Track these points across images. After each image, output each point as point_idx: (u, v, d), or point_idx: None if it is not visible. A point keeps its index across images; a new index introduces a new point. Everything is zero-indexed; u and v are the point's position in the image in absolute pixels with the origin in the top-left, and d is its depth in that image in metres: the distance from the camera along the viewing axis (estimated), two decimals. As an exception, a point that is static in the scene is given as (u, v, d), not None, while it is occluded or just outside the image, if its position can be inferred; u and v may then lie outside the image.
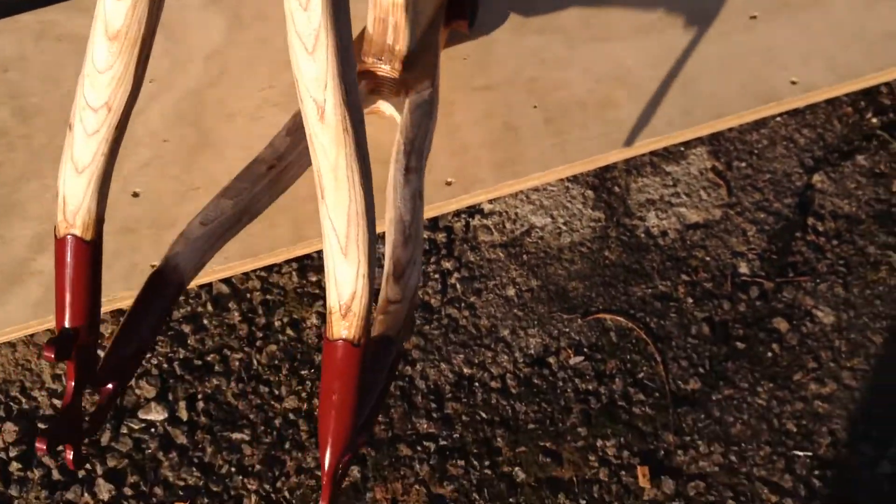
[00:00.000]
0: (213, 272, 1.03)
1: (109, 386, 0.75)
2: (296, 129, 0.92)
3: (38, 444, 0.69)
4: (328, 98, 0.62)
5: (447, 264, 1.05)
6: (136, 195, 1.08)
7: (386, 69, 1.00)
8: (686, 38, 1.14)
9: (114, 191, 1.08)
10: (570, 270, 1.04)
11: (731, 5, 1.16)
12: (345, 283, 0.66)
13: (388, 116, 1.00)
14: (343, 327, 0.67)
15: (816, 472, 0.92)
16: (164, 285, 0.78)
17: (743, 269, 1.03)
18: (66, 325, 0.72)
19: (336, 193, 0.64)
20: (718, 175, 1.09)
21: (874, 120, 1.11)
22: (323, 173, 0.64)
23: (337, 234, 0.65)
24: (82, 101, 0.70)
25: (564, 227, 1.07)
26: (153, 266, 1.03)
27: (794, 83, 1.11)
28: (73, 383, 0.71)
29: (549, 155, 1.10)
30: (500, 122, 1.12)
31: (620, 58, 1.14)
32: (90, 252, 0.73)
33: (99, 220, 0.73)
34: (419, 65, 1.00)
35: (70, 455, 0.71)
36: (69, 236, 0.72)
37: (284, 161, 0.91)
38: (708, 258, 1.04)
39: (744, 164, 1.09)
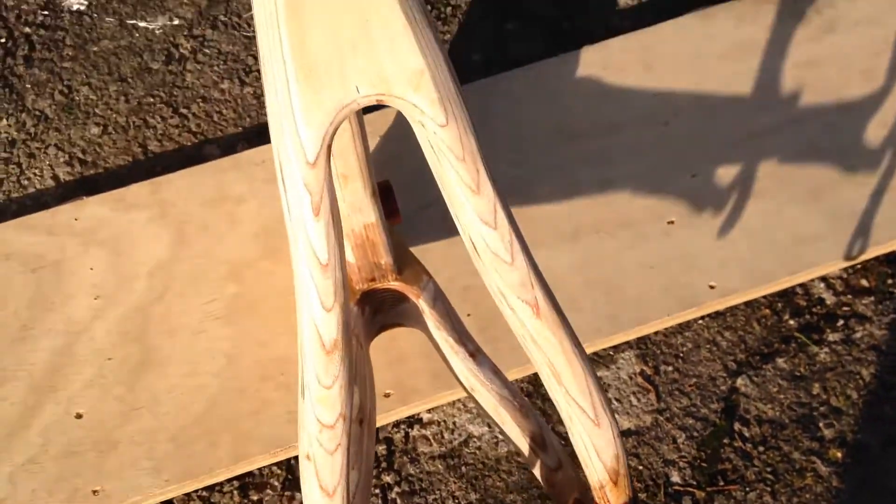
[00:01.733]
0: (154, 495, 1.05)
1: None
2: (348, 383, 0.94)
3: None
4: (537, 294, 0.66)
5: (387, 478, 1.07)
6: (79, 416, 1.10)
7: (381, 286, 1.02)
8: (608, 244, 1.20)
9: (57, 412, 1.11)
10: (507, 482, 1.07)
11: (649, 211, 1.22)
12: (606, 449, 0.70)
13: (399, 329, 1.01)
14: (618, 494, 0.70)
15: None
16: None
17: (675, 477, 1.06)
18: None
19: (573, 373, 0.68)
20: (647, 380, 1.13)
21: (791, 322, 1.17)
22: (555, 362, 0.68)
23: (585, 411, 0.69)
24: (315, 426, 0.68)
25: (501, 437, 1.10)
26: (94, 491, 1.04)
27: (712, 287, 1.16)
28: None
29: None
30: (436, 332, 1.16)
31: (548, 265, 1.20)
32: None
33: None
34: (407, 266, 1.02)
35: None
36: None
37: (366, 409, 0.92)
38: (641, 467, 1.07)
39: (671, 369, 1.14)
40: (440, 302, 0.94)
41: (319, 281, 0.64)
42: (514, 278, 0.65)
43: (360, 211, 0.95)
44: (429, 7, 1.43)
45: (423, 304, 0.94)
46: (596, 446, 0.70)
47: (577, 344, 0.69)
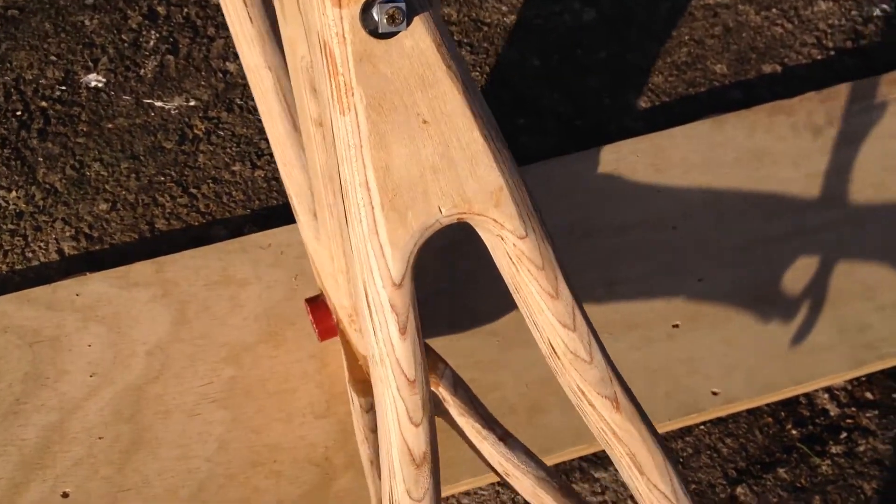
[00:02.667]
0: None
1: None
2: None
3: None
4: (616, 389, 0.69)
5: (375, 574, 1.05)
6: (65, 495, 1.08)
7: None
8: (612, 346, 1.17)
9: (43, 490, 1.09)
10: (497, 585, 1.04)
11: (655, 313, 1.21)
12: None
13: None
14: None
15: None
16: None
17: (668, 587, 1.03)
18: None
19: (654, 462, 0.70)
20: (645, 485, 1.11)
21: (794, 432, 1.15)
22: (636, 453, 0.70)
23: (667, 496, 0.71)
24: None
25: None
26: (76, 574, 1.02)
27: (715, 394, 1.15)
28: None
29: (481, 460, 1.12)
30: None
31: (551, 363, 1.18)
32: None
33: None
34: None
35: None
36: None
37: None
38: (634, 575, 1.04)
39: (670, 474, 1.12)
40: (461, 388, 0.93)
41: (407, 397, 0.65)
42: (593, 376, 0.68)
43: None
44: (443, 100, 1.44)
45: (443, 392, 0.93)
46: None
47: (654, 433, 0.70)
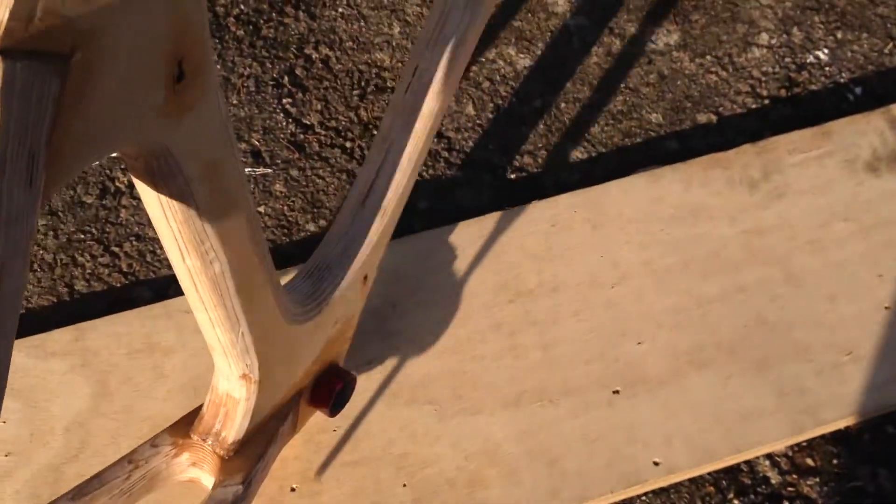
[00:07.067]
0: None
1: None
2: None
3: None
4: None
5: None
6: (-22, 589, 1.02)
7: (208, 450, 0.95)
8: (550, 413, 1.16)
9: (-46, 584, 1.02)
10: None
11: (594, 379, 1.18)
12: None
13: (205, 488, 0.95)
14: None
15: None
16: None
17: None
18: None
19: None
20: (586, 560, 1.09)
21: (736, 501, 1.13)
22: None
23: None
24: None
25: None
26: None
27: (656, 464, 1.12)
28: None
29: None
30: (368, 502, 1.10)
31: (489, 432, 1.15)
32: None
33: None
34: (242, 456, 0.94)
35: None
36: None
37: None
38: None
39: (611, 549, 1.10)
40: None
41: None
42: None
43: None
44: (375, 152, 1.40)
45: (209, 496, 0.91)
46: None
47: None
